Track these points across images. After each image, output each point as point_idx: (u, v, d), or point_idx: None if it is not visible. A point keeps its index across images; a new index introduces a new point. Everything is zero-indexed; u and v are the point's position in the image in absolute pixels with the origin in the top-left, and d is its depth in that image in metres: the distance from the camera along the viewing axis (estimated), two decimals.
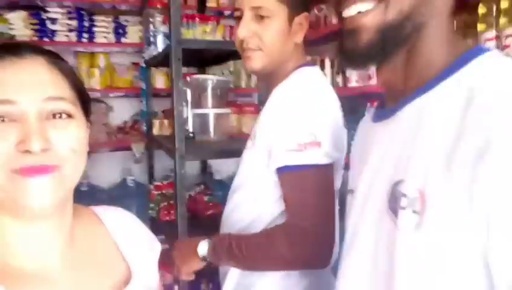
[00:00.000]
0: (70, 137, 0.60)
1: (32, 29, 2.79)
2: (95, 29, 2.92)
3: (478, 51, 0.56)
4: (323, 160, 0.91)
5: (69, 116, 0.60)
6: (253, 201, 1.02)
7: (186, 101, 1.71)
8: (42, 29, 2.81)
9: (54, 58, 0.62)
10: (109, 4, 2.96)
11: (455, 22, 0.61)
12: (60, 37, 2.84)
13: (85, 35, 2.89)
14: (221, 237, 1.02)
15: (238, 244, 0.95)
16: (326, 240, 0.91)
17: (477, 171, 0.47)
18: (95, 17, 2.94)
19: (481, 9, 1.33)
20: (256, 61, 1.02)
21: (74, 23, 2.87)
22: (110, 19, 2.99)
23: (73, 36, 2.86)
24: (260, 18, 1.00)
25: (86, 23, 2.89)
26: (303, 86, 0.99)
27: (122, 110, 3.09)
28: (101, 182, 2.99)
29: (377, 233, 0.60)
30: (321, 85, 1.01)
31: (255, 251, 0.94)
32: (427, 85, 0.57)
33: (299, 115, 0.93)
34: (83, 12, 2.90)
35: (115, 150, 2.99)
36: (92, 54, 3.03)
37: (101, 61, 3.02)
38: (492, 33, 1.29)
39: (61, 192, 0.60)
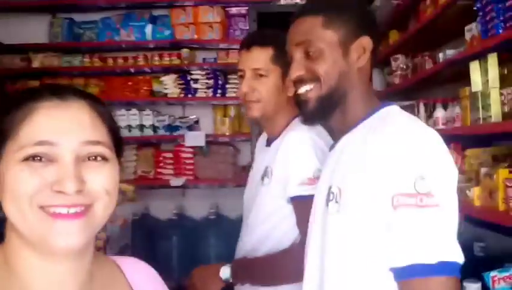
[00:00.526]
0: (104, 179, 0.62)
1: (179, 88, 3.51)
2: (227, 86, 3.52)
3: (383, 105, 0.90)
4: None
5: (104, 159, 0.62)
6: (279, 230, 1.29)
7: None
8: (187, 87, 3.51)
9: (95, 102, 0.65)
10: None
11: None
12: (200, 94, 3.50)
13: (219, 91, 3.51)
14: (240, 262, 1.30)
15: (258, 266, 1.22)
16: None
17: (380, 170, 0.81)
18: (228, 76, 3.56)
19: None
20: (255, 110, 1.34)
21: (211, 82, 3.49)
22: None
23: (210, 92, 3.50)
24: (259, 76, 1.32)
25: (220, 82, 3.51)
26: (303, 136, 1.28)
27: (247, 152, 3.61)
28: (229, 212, 3.46)
29: (321, 222, 0.93)
30: (312, 133, 1.28)
31: (271, 270, 1.20)
32: (348, 129, 0.94)
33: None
34: (218, 73, 3.54)
35: (240, 185, 3.48)
36: (225, 106, 3.63)
37: (232, 111, 3.61)
38: None
39: (89, 233, 0.61)
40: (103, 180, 0.61)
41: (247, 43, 1.38)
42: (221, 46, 3.53)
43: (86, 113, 0.62)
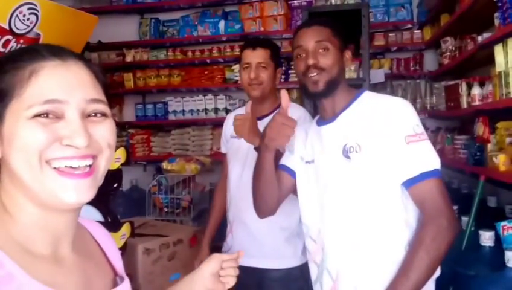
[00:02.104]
0: (107, 133, 0.65)
1: None
2: (290, 72, 3.90)
3: (362, 91, 1.38)
4: None
5: (104, 115, 0.66)
6: None
7: None
8: None
9: (88, 63, 0.67)
10: None
11: None
12: None
13: (283, 76, 3.92)
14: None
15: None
16: None
17: (392, 124, 1.28)
18: (291, 63, 3.93)
19: None
20: (258, 91, 1.88)
21: None
22: None
23: None
24: (261, 68, 1.86)
25: (284, 68, 3.91)
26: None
27: None
28: None
29: (336, 173, 1.36)
30: None
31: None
32: (342, 109, 1.38)
33: None
34: (282, 60, 3.94)
35: None
36: (288, 89, 4.01)
37: (294, 94, 4.00)
38: None
39: (95, 188, 0.65)
40: (106, 135, 0.65)
41: (253, 45, 1.94)
42: (285, 36, 3.92)
43: (85, 73, 0.66)
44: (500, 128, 2.21)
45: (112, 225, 1.68)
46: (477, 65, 2.80)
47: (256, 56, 1.90)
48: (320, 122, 1.46)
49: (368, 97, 1.40)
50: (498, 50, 2.03)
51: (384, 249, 1.30)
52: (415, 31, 3.65)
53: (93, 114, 0.65)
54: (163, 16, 4.28)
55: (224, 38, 4.03)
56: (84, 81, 0.65)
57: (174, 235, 2.17)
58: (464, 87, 2.67)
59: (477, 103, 2.42)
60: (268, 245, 1.87)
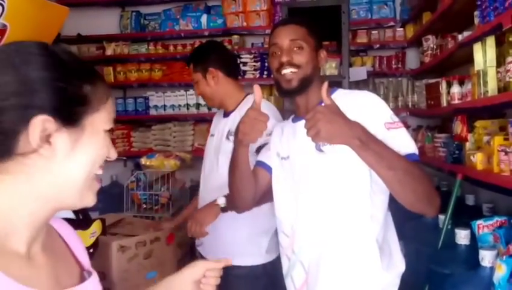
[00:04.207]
0: None
1: None
2: None
3: (335, 89, 1.39)
4: None
5: None
6: None
7: None
8: None
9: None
10: None
11: None
12: (248, 75, 3.90)
13: (265, 72, 3.91)
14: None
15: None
16: None
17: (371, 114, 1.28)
18: None
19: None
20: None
21: (258, 64, 3.88)
22: None
23: (257, 74, 3.89)
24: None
25: (266, 64, 3.90)
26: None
27: None
28: None
29: (310, 167, 1.35)
30: None
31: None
32: (319, 103, 1.31)
33: None
34: (265, 56, 3.92)
35: None
36: (271, 86, 4.01)
37: (274, 91, 3.98)
38: None
39: None
40: None
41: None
42: (267, 31, 3.89)
43: None
44: (478, 127, 2.21)
45: (83, 223, 1.64)
46: (458, 64, 2.81)
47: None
48: (294, 119, 1.49)
49: (341, 94, 1.41)
50: (477, 48, 2.03)
51: (354, 242, 1.32)
52: (398, 29, 3.66)
53: None
54: (144, 9, 4.22)
55: (206, 33, 3.99)
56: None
57: (150, 233, 2.14)
58: (444, 85, 2.68)
59: (456, 101, 2.43)
60: (231, 242, 1.87)
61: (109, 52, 4.14)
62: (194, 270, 0.94)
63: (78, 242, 0.84)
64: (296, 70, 1.35)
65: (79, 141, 0.68)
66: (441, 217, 2.10)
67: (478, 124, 2.21)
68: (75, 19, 4.10)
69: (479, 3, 1.95)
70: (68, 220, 1.66)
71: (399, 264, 1.37)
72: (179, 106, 3.95)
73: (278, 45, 1.38)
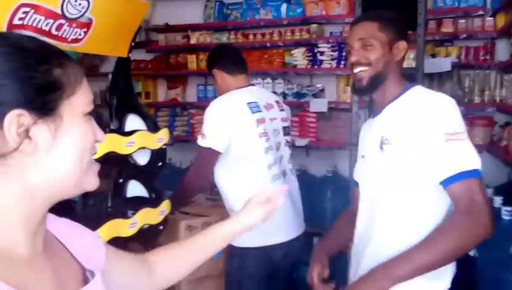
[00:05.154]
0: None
1: (307, 59, 3.93)
2: None
3: (411, 86, 1.37)
4: None
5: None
6: None
7: None
8: (314, 59, 3.92)
9: None
10: None
11: None
12: (325, 65, 3.87)
13: (343, 62, 3.86)
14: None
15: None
16: None
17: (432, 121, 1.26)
18: None
19: None
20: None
21: (336, 54, 3.84)
22: None
23: (334, 63, 3.85)
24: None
25: (344, 53, 3.85)
26: None
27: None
28: (345, 172, 3.84)
29: (372, 165, 1.39)
30: None
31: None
32: (389, 101, 1.36)
33: None
34: (342, 45, 3.87)
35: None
36: (348, 76, 3.94)
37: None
38: None
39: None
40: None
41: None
42: (347, 20, 3.83)
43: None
44: None
45: (154, 201, 1.79)
46: None
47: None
48: (372, 115, 1.50)
49: (416, 92, 1.39)
50: None
51: (400, 243, 1.28)
52: (487, 18, 3.41)
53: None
54: None
55: (285, 22, 4.02)
56: None
57: (217, 215, 2.26)
58: None
59: None
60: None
61: (193, 40, 4.32)
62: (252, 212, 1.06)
63: (78, 240, 0.77)
64: (366, 69, 1.36)
65: (60, 130, 0.63)
66: None
67: None
68: (163, 9, 4.37)
69: None
70: (139, 198, 1.82)
71: (447, 276, 1.31)
72: None
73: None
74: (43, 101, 0.61)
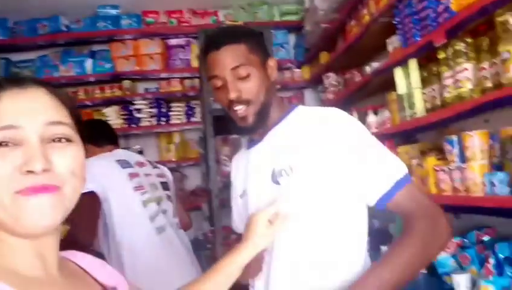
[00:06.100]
0: (70, 160, 0.62)
1: (122, 118, 3.54)
2: (170, 113, 3.61)
3: (294, 106, 1.19)
4: None
5: (68, 140, 0.63)
6: None
7: None
8: (130, 117, 3.54)
9: (53, 88, 0.65)
10: (180, 93, 3.64)
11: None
12: (144, 123, 3.55)
13: (163, 119, 3.60)
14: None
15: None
16: None
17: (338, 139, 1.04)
18: (171, 104, 3.64)
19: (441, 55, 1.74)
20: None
21: (154, 110, 3.57)
22: (182, 104, 3.64)
23: (154, 121, 3.57)
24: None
25: (164, 110, 3.60)
26: None
27: (194, 177, 3.68)
28: None
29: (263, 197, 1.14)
30: None
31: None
32: (271, 127, 1.17)
33: None
34: (161, 102, 3.63)
35: (189, 210, 3.52)
36: (169, 133, 3.71)
37: (176, 138, 3.68)
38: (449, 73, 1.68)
39: (61, 212, 0.61)
40: (69, 162, 0.62)
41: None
42: (162, 75, 3.64)
43: (46, 97, 0.64)
44: (400, 152, 2.20)
45: None
46: (364, 95, 2.85)
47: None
48: (249, 145, 1.24)
49: (303, 111, 1.18)
50: (398, 73, 2.04)
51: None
52: (295, 70, 3.69)
53: (56, 139, 0.62)
54: (16, 56, 3.66)
55: (92, 79, 3.57)
56: (45, 106, 0.63)
57: None
58: (355, 116, 2.68)
59: (374, 130, 2.42)
60: None
61: None
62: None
63: (102, 268, 0.75)
64: (248, 105, 1.13)
65: None
66: (384, 248, 1.98)
67: (400, 149, 2.19)
68: None
69: (399, 26, 1.96)
70: None
71: None
72: None
73: (218, 77, 1.14)
74: None
